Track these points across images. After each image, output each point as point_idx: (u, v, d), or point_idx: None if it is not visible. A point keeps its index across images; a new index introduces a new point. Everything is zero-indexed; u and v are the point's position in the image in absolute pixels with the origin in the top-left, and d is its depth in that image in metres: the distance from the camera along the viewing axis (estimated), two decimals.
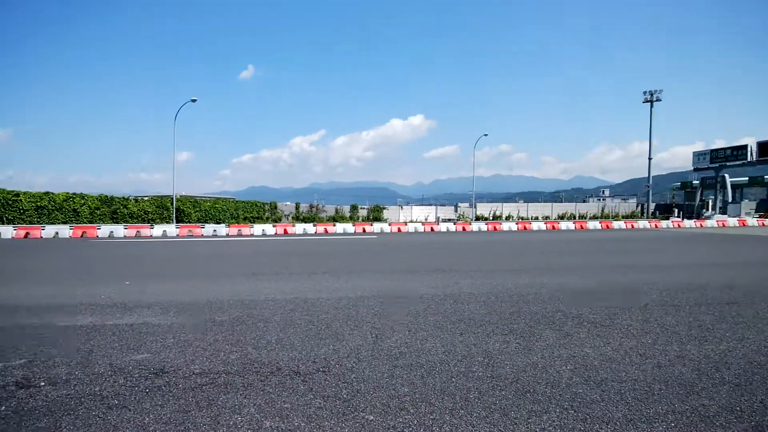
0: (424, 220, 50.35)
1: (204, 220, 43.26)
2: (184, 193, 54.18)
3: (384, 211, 54.07)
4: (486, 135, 55.45)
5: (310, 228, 36.91)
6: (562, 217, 57.07)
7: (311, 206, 52.88)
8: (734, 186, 67.69)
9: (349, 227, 37.79)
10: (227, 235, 33.30)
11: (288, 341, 5.79)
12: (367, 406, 3.94)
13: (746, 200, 66.25)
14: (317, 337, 5.98)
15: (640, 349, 5.39)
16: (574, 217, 56.91)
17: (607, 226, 41.14)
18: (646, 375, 4.56)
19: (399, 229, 38.51)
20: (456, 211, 58.72)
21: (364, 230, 37.65)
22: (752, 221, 44.14)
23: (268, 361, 5.05)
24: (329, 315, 7.18)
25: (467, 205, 59.57)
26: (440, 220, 50.63)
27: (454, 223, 42.29)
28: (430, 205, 67.49)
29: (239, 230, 35.12)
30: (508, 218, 54.97)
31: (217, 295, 8.94)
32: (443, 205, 67.83)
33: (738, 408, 3.81)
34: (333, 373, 4.68)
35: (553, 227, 40.26)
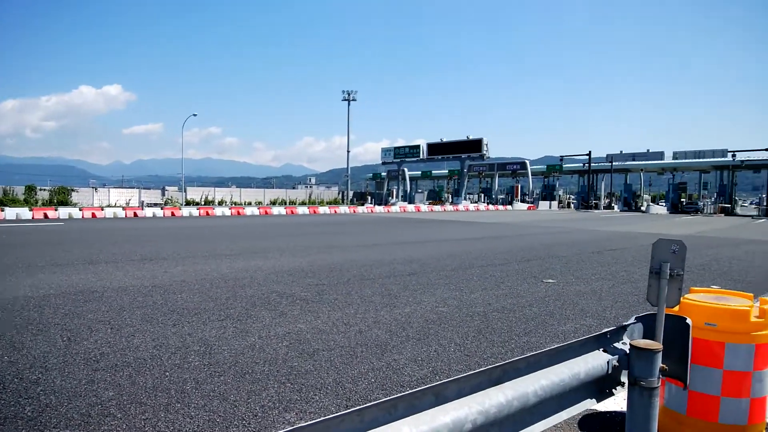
0: (125, 205, 45.10)
1: None
2: None
3: (73, 193, 46.28)
4: (195, 115, 52.93)
5: None
6: (274, 203, 59.00)
7: None
8: (412, 178, 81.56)
9: (24, 212, 31.04)
10: None
11: None
12: (60, 420, 3.35)
13: (420, 190, 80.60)
14: None
15: (345, 318, 6.04)
16: (285, 203, 59.56)
17: (314, 211, 44.41)
18: (351, 341, 5.14)
19: (93, 215, 33.58)
20: (164, 195, 54.48)
21: (45, 216, 31.49)
22: (425, 207, 54.02)
23: None
24: None
25: (176, 188, 55.96)
26: (145, 204, 46.17)
27: (162, 208, 39.23)
28: (133, 187, 60.83)
29: None
30: (221, 203, 53.87)
31: None
32: (148, 188, 62.05)
33: (420, 358, 4.66)
34: (10, 390, 3.81)
35: (266, 212, 41.32)
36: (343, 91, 67.68)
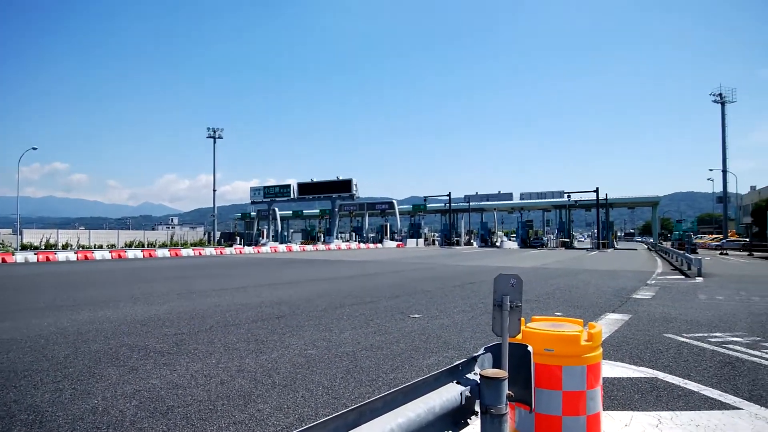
0: None
1: None
2: None
3: None
4: (35, 149, 47.28)
5: None
6: (130, 245, 54.12)
7: None
8: (283, 218, 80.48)
9: None
10: None
11: None
12: None
13: (293, 230, 79.62)
14: None
15: (205, 370, 5.63)
16: (143, 245, 54.96)
17: (177, 254, 41.51)
18: (210, 394, 4.80)
19: None
20: None
21: None
22: (296, 247, 53.34)
23: None
24: None
25: (10, 231, 48.89)
26: None
27: None
28: None
29: None
30: (65, 247, 48.05)
31: None
32: None
33: (286, 406, 4.48)
34: None
35: (120, 256, 37.69)
36: (209, 128, 65.37)
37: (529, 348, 2.87)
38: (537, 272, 20.61)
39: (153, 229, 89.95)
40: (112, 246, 50.64)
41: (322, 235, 71.89)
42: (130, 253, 39.02)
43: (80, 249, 44.34)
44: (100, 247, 49.05)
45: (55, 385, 5.08)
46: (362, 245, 60.65)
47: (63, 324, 8.55)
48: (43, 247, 46.51)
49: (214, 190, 65.93)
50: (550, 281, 16.53)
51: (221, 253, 44.63)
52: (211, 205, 67.05)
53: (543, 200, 67.60)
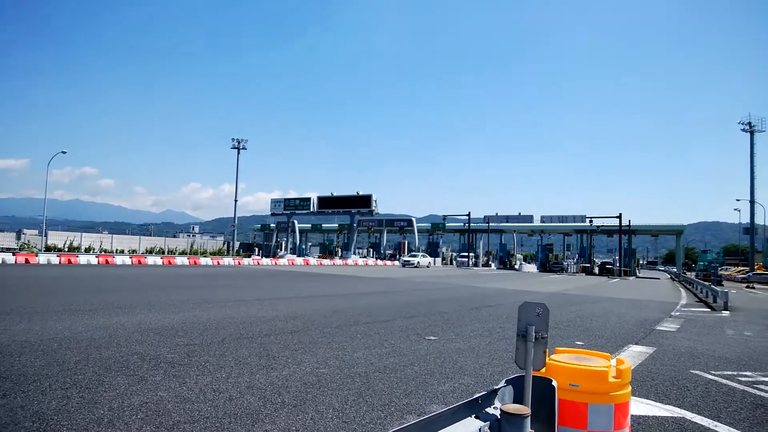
0: None
1: None
2: None
3: None
4: (65, 152, 48.46)
5: None
6: (150, 252, 54.75)
7: None
8: (302, 231, 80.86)
9: None
10: None
11: None
12: None
13: (311, 243, 79.81)
14: None
15: (215, 384, 5.52)
16: (164, 252, 55.57)
17: (195, 262, 41.84)
18: (218, 410, 4.67)
19: None
20: (19, 238, 48.23)
21: None
22: (314, 261, 53.37)
23: None
24: None
25: (36, 232, 49.95)
26: None
27: (14, 254, 34.55)
28: None
29: None
30: (88, 250, 48.81)
31: None
32: (1, 230, 54.71)
33: (294, 428, 4.32)
34: None
35: (140, 262, 38.13)
36: (233, 139, 66.47)
37: (554, 383, 2.70)
38: (557, 298, 20.15)
39: (174, 236, 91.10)
40: (133, 251, 51.26)
41: (340, 250, 71.87)
42: (150, 260, 39.44)
43: (102, 253, 44.97)
44: (122, 252, 49.69)
45: (63, 392, 5.01)
46: (380, 262, 60.41)
47: (77, 328, 8.54)
48: (66, 250, 47.27)
49: (236, 201, 66.67)
50: (570, 308, 16.12)
51: (239, 263, 44.86)
52: (233, 215, 67.73)
53: (564, 224, 66.73)
